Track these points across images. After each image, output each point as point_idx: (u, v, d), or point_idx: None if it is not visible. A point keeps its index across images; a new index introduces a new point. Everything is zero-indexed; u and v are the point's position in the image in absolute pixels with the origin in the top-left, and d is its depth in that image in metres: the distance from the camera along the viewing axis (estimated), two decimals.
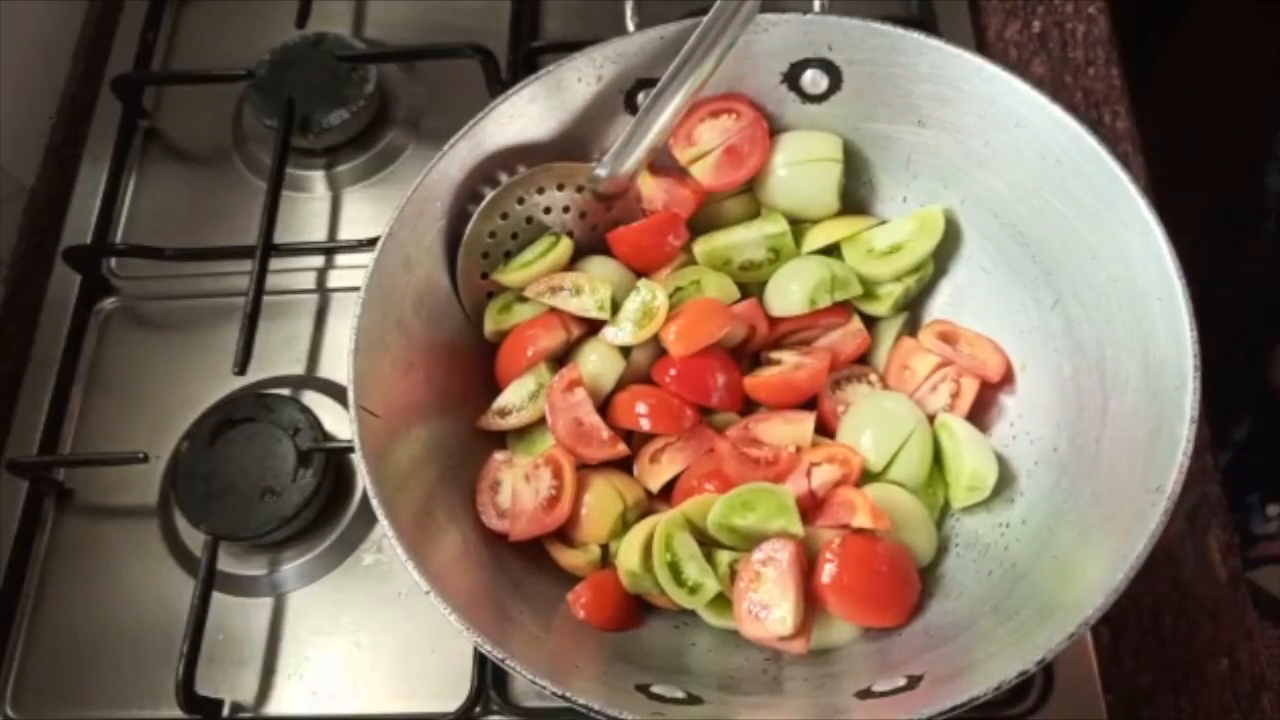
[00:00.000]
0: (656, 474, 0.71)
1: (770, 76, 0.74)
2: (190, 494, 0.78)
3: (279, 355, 0.87)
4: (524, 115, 0.72)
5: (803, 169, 0.75)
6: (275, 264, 0.87)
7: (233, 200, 0.94)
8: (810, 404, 0.73)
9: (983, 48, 0.96)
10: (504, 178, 0.72)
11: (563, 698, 0.55)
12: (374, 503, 0.60)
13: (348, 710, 0.74)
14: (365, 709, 0.74)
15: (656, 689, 0.60)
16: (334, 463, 0.80)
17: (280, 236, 0.89)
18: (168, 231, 0.93)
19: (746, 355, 0.76)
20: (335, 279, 0.90)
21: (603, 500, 0.69)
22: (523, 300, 0.74)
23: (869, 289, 0.75)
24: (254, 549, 0.80)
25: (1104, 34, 0.97)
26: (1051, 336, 0.70)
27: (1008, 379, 0.72)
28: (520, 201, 0.73)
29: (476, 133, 0.71)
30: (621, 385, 0.72)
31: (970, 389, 0.72)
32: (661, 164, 0.75)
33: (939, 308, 0.77)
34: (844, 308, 0.75)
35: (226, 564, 0.78)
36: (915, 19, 0.93)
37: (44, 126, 1.02)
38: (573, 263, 0.75)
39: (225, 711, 0.75)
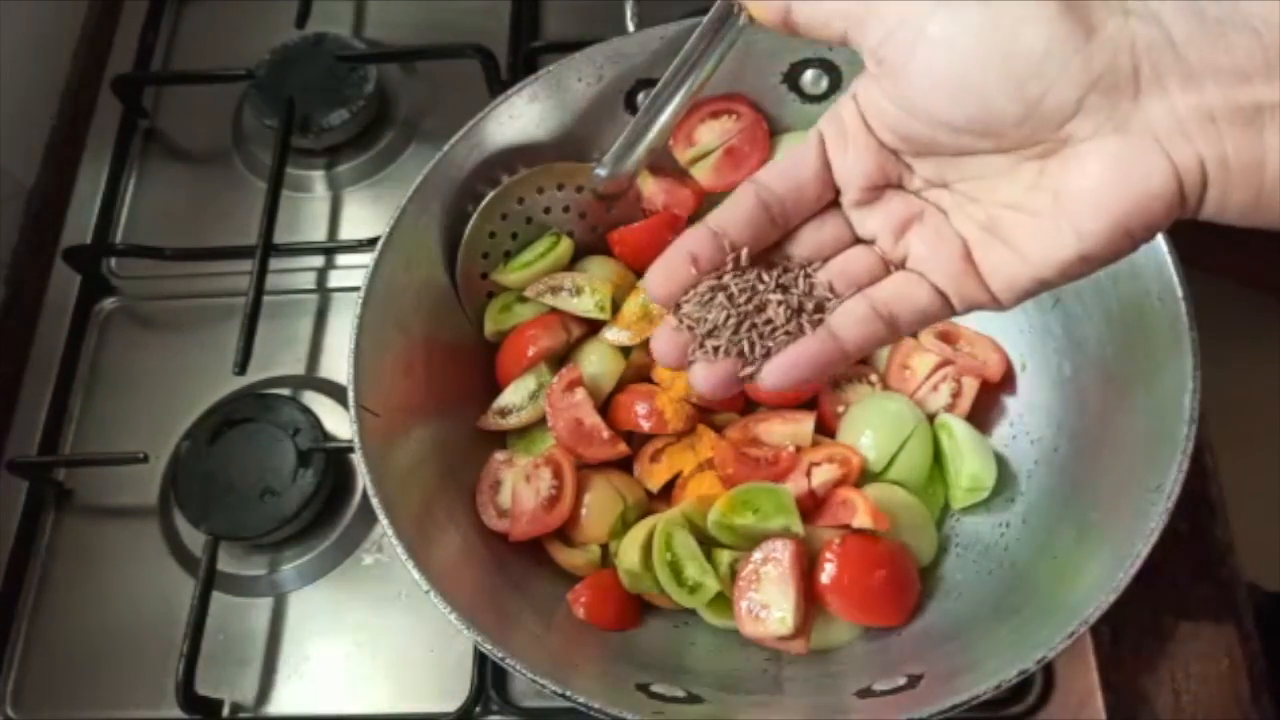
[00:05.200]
0: (656, 474, 0.71)
1: (770, 76, 0.74)
2: (190, 494, 0.78)
3: (279, 355, 0.87)
4: (524, 115, 0.72)
5: None
6: (275, 264, 0.87)
7: (233, 200, 0.94)
8: (810, 404, 0.73)
9: None
10: (504, 178, 0.72)
11: (563, 696, 0.55)
12: (374, 503, 0.60)
13: (348, 710, 0.74)
14: (365, 709, 0.74)
15: (656, 688, 0.60)
16: (334, 463, 0.80)
17: (280, 236, 0.89)
18: (168, 231, 0.93)
19: None
20: (335, 279, 0.90)
21: (603, 500, 0.69)
22: (523, 300, 0.74)
23: None
24: (254, 549, 0.80)
25: None
26: (1051, 336, 0.70)
27: (1008, 379, 0.72)
28: (520, 201, 0.73)
29: (476, 133, 0.71)
30: (621, 385, 0.72)
31: (971, 389, 0.72)
32: (661, 164, 0.75)
33: None
34: None
35: (226, 564, 0.78)
36: None
37: (44, 126, 1.02)
38: (573, 263, 0.75)
39: (225, 711, 0.75)
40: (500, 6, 0.99)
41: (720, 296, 0.47)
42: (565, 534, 0.70)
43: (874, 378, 0.75)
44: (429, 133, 0.96)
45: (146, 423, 0.85)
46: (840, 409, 0.73)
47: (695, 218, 0.76)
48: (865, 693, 0.60)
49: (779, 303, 0.47)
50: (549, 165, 0.73)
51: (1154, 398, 0.60)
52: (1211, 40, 0.37)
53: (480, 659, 0.73)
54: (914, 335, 0.75)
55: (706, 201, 0.76)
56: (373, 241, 0.68)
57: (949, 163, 0.44)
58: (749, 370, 0.47)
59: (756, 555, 0.64)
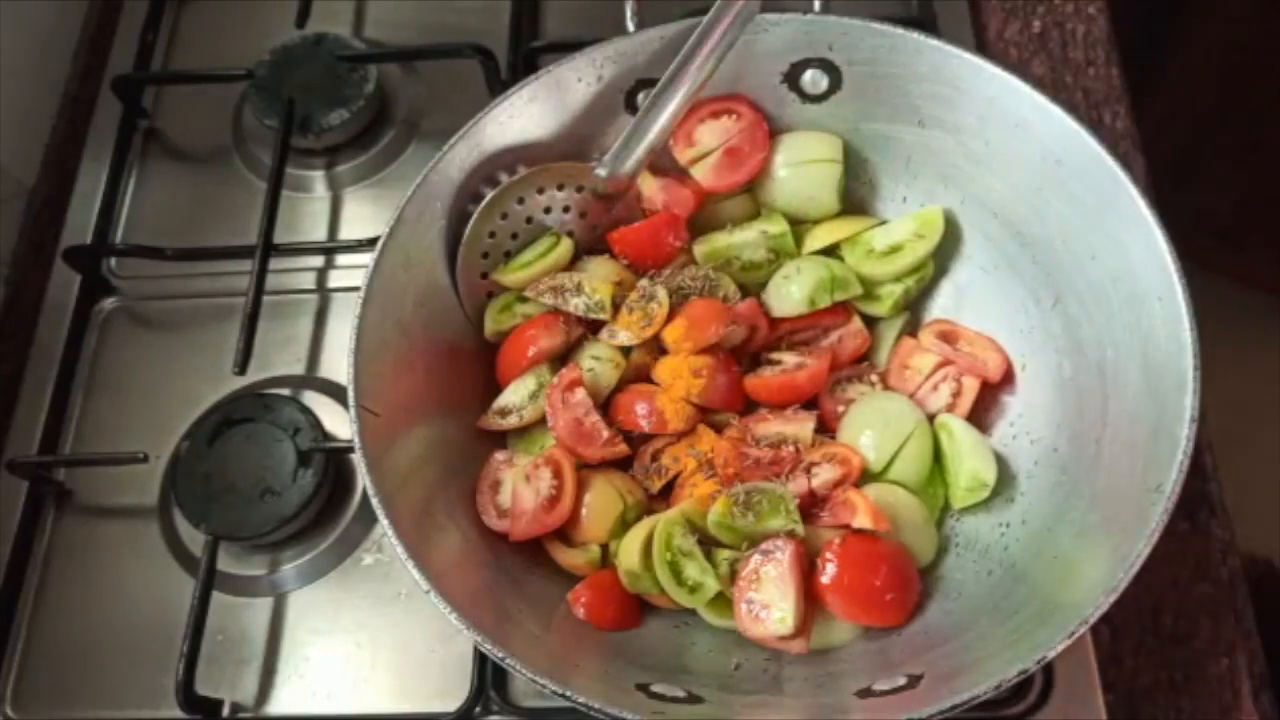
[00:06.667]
0: (656, 474, 0.71)
1: (770, 76, 0.74)
2: (190, 494, 0.78)
3: (279, 355, 0.87)
4: (524, 115, 0.72)
5: (803, 169, 0.75)
6: (275, 264, 0.87)
7: (233, 200, 0.94)
8: (810, 404, 0.73)
9: (983, 48, 0.96)
10: (504, 178, 0.72)
11: (563, 696, 0.55)
12: (374, 503, 0.60)
13: (348, 710, 0.74)
14: (365, 709, 0.74)
15: (656, 688, 0.60)
16: (334, 463, 0.80)
17: (280, 236, 0.89)
18: (168, 231, 0.93)
19: (746, 355, 0.76)
20: (335, 279, 0.90)
21: (603, 500, 0.69)
22: (523, 300, 0.74)
23: (869, 289, 0.75)
24: (254, 549, 0.80)
25: (1104, 34, 0.97)
26: (1051, 336, 0.70)
27: (1008, 379, 0.72)
28: (520, 201, 0.73)
29: (476, 133, 0.71)
30: (621, 385, 0.72)
31: (971, 389, 0.72)
32: (661, 164, 0.75)
33: (939, 307, 0.77)
34: (844, 308, 0.75)
35: (226, 564, 0.78)
36: (915, 19, 0.93)
37: (44, 126, 1.02)
38: (573, 263, 0.75)
39: (225, 711, 0.75)
40: (500, 6, 0.99)
41: None
42: (565, 534, 0.70)
43: (874, 377, 0.75)
44: (429, 133, 0.96)
45: (146, 423, 0.85)
46: (840, 409, 0.73)
47: (695, 217, 0.76)
48: (865, 693, 0.60)
49: None
50: (549, 165, 0.73)
51: (1154, 398, 0.60)
52: None
53: (480, 659, 0.73)
54: (914, 335, 0.76)
55: (706, 201, 0.76)
56: (373, 241, 0.68)
57: None
58: None
59: (756, 555, 0.64)
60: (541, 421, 0.71)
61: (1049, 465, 0.68)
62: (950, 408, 0.72)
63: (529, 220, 0.74)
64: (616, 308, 0.72)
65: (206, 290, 0.91)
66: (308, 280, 0.90)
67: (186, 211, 0.95)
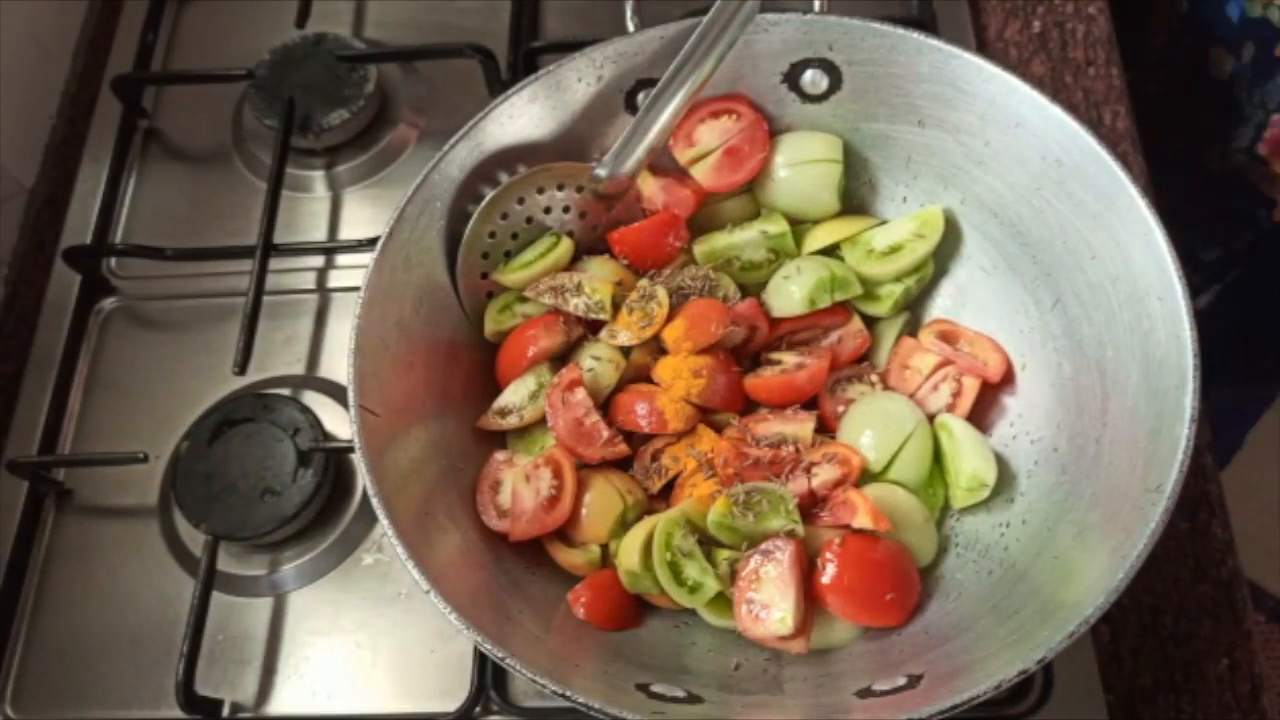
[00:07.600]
0: (656, 474, 0.71)
1: (770, 76, 0.74)
2: (190, 494, 0.78)
3: (279, 355, 0.87)
4: (524, 115, 0.72)
5: (803, 169, 0.75)
6: (275, 264, 0.87)
7: (233, 200, 0.94)
8: (810, 404, 0.73)
9: (983, 48, 0.96)
10: (504, 178, 0.73)
11: (563, 696, 0.55)
12: (374, 503, 0.60)
13: (348, 710, 0.74)
14: (365, 709, 0.74)
15: (656, 688, 0.60)
16: (334, 463, 0.80)
17: (280, 236, 0.89)
18: (168, 231, 0.93)
19: (746, 355, 0.76)
20: (335, 279, 0.90)
21: (603, 500, 0.69)
22: (523, 300, 0.74)
23: (869, 289, 0.75)
24: (254, 549, 0.80)
25: (1104, 34, 0.97)
26: (1051, 336, 0.70)
27: (1008, 379, 0.72)
28: (520, 201, 0.73)
29: (476, 133, 0.71)
30: (621, 385, 0.72)
31: (971, 389, 0.72)
32: (661, 164, 0.75)
33: (939, 307, 0.77)
34: (844, 308, 0.75)
35: (226, 564, 0.78)
36: (915, 19, 0.93)
37: (44, 126, 1.02)
38: (573, 263, 0.75)
39: (225, 711, 0.75)
40: (500, 6, 0.99)
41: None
42: (565, 534, 0.70)
43: (874, 378, 0.75)
44: (429, 133, 0.96)
45: (146, 423, 0.85)
46: (840, 409, 0.73)
47: (695, 217, 0.76)
48: (865, 693, 0.60)
49: None
50: (549, 165, 0.73)
51: (1154, 398, 0.60)
52: None
53: (480, 659, 0.73)
54: (914, 335, 0.76)
55: (706, 201, 0.76)
56: (373, 241, 0.69)
57: None
58: None
59: (756, 555, 0.64)
60: (541, 421, 0.71)
61: (1049, 465, 0.68)
62: (950, 408, 0.72)
63: (529, 220, 0.74)
64: (616, 308, 0.72)
65: (206, 290, 0.91)
66: (308, 280, 0.90)
67: (186, 211, 0.95)
